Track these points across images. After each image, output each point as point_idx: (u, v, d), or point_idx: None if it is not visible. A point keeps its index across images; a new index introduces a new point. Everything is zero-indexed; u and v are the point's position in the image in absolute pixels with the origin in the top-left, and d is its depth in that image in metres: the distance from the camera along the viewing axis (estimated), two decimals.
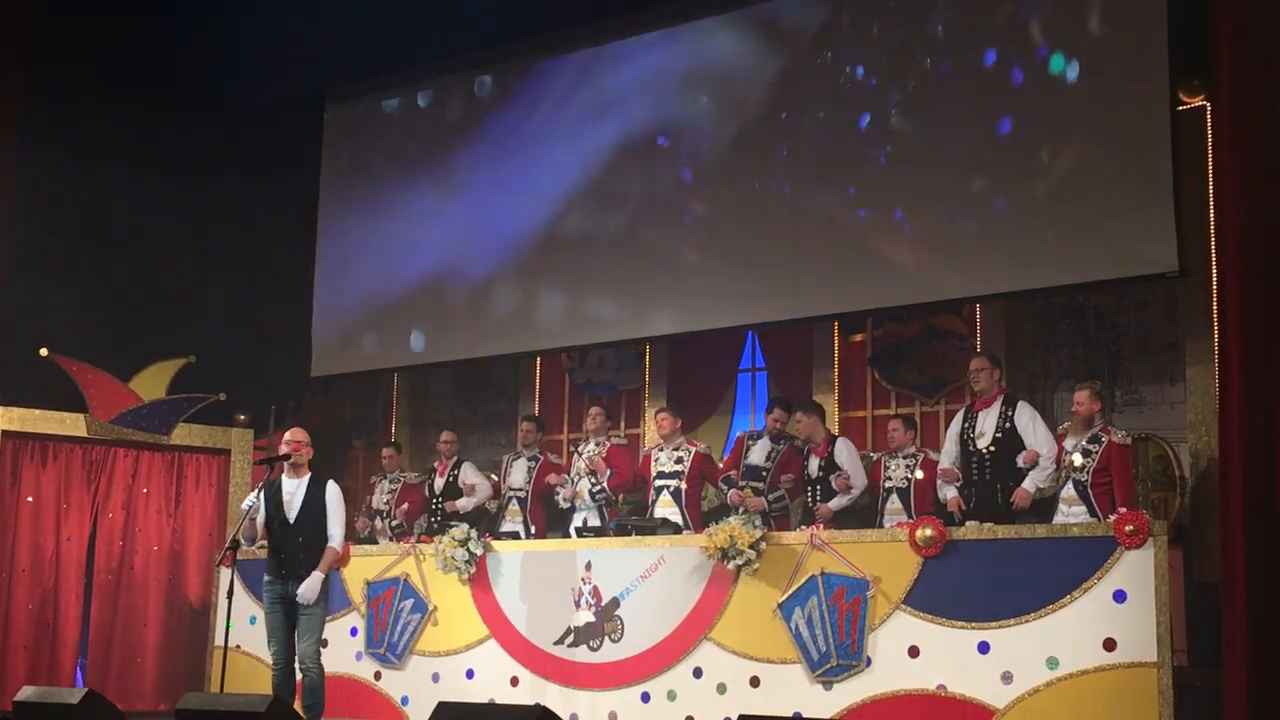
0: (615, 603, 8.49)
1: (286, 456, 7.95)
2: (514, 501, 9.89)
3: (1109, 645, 6.95)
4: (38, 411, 10.55)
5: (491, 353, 10.62)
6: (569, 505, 9.62)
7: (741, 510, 8.51)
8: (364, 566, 9.55)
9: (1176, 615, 7.00)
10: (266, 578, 7.92)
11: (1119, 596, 6.98)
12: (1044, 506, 7.92)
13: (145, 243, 10.41)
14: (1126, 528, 7.00)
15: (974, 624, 7.32)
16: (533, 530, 9.76)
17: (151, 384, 10.82)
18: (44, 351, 10.42)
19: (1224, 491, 6.75)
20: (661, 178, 9.78)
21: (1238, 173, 6.82)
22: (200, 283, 10.55)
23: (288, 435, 8.10)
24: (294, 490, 7.89)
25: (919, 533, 7.52)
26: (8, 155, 8.24)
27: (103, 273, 10.38)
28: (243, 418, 11.22)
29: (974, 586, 7.35)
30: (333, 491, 7.97)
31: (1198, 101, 8.20)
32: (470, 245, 10.66)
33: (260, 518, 7.88)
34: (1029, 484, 7.80)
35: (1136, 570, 6.95)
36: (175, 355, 10.86)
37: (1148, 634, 6.85)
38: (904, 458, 8.56)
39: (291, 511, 7.84)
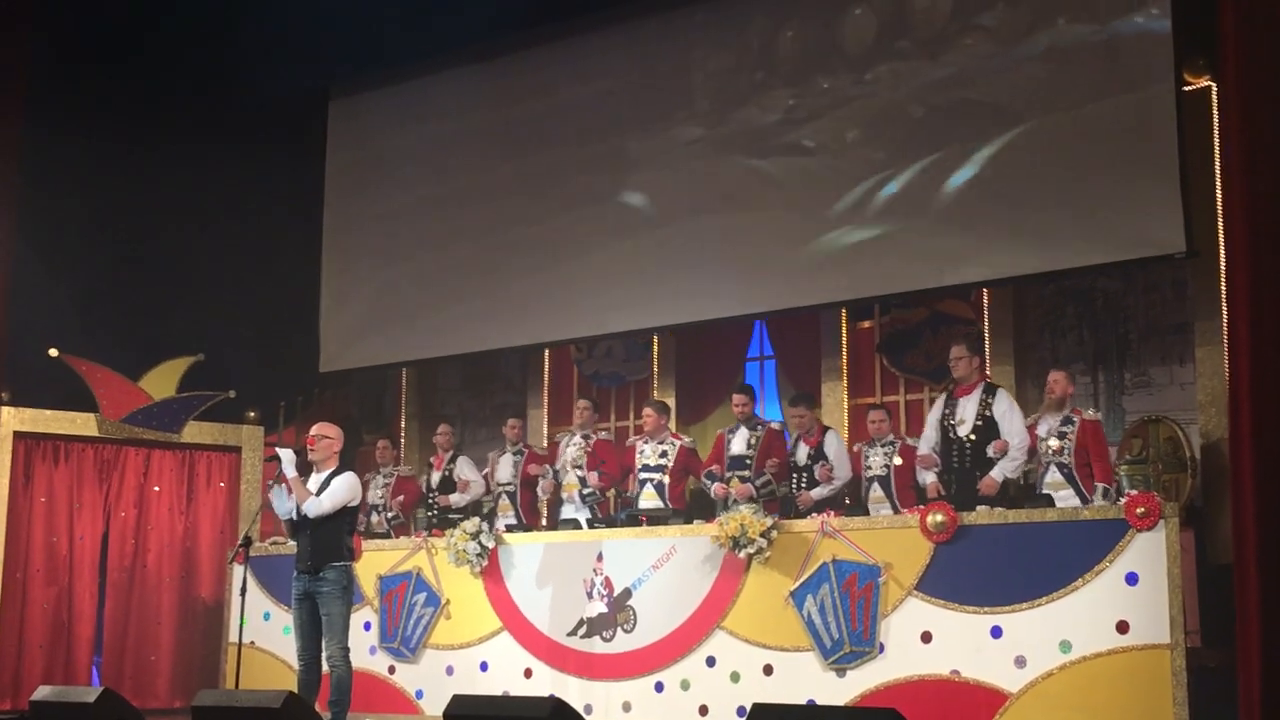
0: (627, 593, 8.50)
1: (301, 452, 7.91)
2: (504, 496, 9.90)
3: (1122, 628, 6.95)
4: (49, 412, 10.57)
5: (500, 345, 10.63)
6: (546, 497, 9.72)
7: (732, 502, 8.53)
8: (376, 561, 9.56)
9: (1189, 597, 6.99)
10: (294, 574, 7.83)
11: (1131, 579, 6.97)
12: (1027, 492, 7.98)
13: (153, 241, 10.44)
14: (1138, 510, 6.99)
15: (986, 609, 7.32)
16: (524, 522, 9.75)
17: (161, 382, 10.83)
18: (54, 352, 10.42)
19: (1235, 472, 6.73)
20: (670, 165, 9.77)
21: (1244, 152, 6.78)
22: (208, 280, 10.56)
23: (312, 430, 8.01)
24: (315, 485, 7.76)
25: (930, 518, 7.52)
26: (13, 154, 8.23)
27: (111, 272, 10.40)
28: (253, 414, 11.21)
29: (986, 571, 7.35)
30: (341, 477, 7.75)
31: (1203, 82, 8.19)
32: (477, 237, 10.65)
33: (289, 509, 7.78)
34: (996, 473, 7.85)
35: (1148, 552, 6.94)
36: (184, 353, 10.87)
37: (1160, 616, 6.85)
38: (882, 446, 8.57)
39: None
